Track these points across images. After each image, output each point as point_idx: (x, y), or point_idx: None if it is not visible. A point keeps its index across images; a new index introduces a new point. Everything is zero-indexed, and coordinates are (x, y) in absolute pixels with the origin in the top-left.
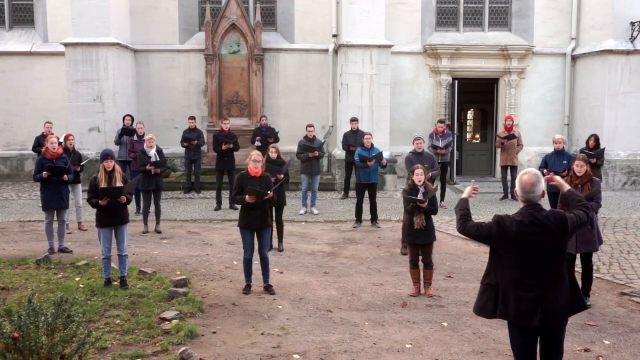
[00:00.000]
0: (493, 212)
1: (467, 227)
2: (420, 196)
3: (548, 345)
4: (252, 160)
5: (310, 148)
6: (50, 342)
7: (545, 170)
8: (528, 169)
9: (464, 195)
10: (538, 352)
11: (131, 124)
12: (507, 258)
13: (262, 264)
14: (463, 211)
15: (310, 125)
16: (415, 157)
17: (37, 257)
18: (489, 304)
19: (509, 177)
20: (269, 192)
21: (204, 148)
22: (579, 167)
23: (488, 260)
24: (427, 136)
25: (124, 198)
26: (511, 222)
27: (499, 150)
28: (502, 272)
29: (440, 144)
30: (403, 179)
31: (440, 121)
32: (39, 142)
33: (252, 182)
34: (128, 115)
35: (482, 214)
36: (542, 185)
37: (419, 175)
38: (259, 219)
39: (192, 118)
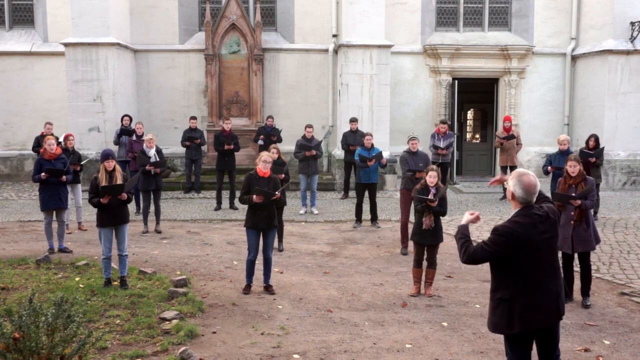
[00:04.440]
0: (493, 212)
1: (471, 254)
2: (431, 197)
3: (549, 343)
4: (262, 161)
5: (307, 147)
6: (51, 342)
7: (549, 168)
8: (521, 169)
9: (463, 221)
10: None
11: (129, 124)
12: (517, 265)
13: (265, 264)
14: (463, 239)
15: (310, 126)
16: (410, 157)
17: (37, 257)
18: (503, 319)
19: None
20: (276, 192)
21: (204, 148)
22: (572, 167)
23: (492, 274)
24: (429, 136)
25: (125, 195)
26: (518, 226)
27: (498, 150)
28: (514, 281)
29: (442, 144)
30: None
31: (443, 122)
32: (39, 142)
33: (261, 182)
34: (126, 115)
35: (482, 214)
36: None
37: (432, 177)
38: (266, 219)
39: (194, 118)
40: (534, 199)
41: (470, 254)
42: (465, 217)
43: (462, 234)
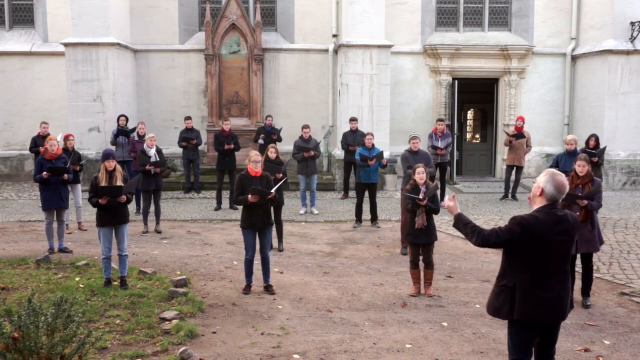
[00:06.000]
0: (493, 212)
1: (485, 237)
2: (421, 195)
3: (547, 342)
4: (251, 161)
5: (305, 148)
6: (50, 342)
7: (556, 170)
8: (552, 169)
9: (456, 210)
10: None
11: (126, 124)
12: (526, 258)
13: (263, 264)
14: (469, 223)
15: (306, 127)
16: (411, 156)
17: (37, 257)
18: (505, 305)
19: (512, 177)
20: (271, 191)
21: (204, 148)
22: (581, 167)
23: (502, 261)
24: (427, 136)
25: (123, 197)
26: (535, 221)
27: (506, 149)
28: (520, 272)
29: (440, 144)
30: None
31: (440, 120)
32: (36, 143)
33: (253, 182)
34: (122, 115)
35: (482, 214)
36: None
37: (421, 174)
38: (262, 218)
39: (189, 118)
40: (560, 198)
41: (485, 237)
42: (450, 204)
43: (465, 221)
